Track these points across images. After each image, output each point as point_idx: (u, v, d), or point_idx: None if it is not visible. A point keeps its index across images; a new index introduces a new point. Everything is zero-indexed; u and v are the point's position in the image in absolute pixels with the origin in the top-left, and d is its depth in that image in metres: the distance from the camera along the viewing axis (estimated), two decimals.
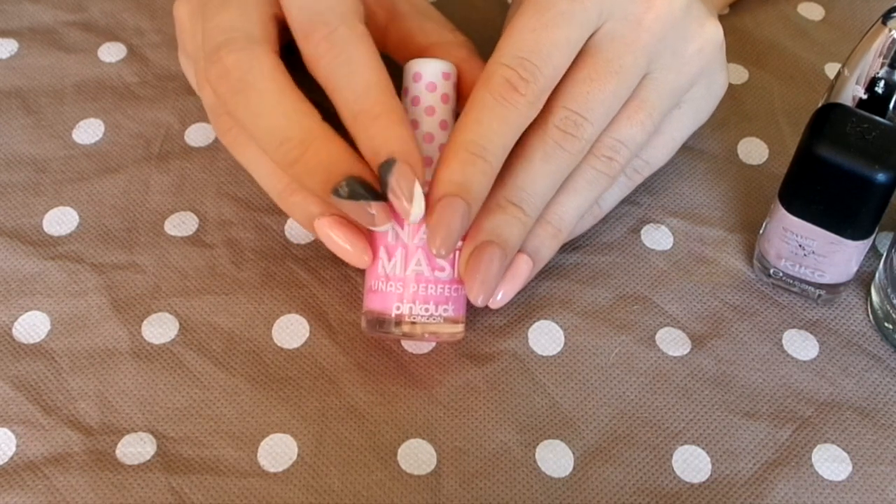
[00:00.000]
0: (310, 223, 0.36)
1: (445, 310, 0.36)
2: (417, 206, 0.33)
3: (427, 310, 0.35)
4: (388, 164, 0.33)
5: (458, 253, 0.36)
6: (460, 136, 0.34)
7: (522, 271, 0.37)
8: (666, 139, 0.40)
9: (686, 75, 0.38)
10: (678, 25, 0.37)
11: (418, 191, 0.33)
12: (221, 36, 0.35)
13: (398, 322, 0.35)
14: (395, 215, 0.35)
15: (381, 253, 0.36)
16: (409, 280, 0.35)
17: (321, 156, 0.34)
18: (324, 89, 0.35)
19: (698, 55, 0.38)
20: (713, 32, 0.38)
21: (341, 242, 0.35)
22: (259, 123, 0.34)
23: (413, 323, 0.35)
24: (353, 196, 0.33)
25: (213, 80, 0.35)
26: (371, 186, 0.34)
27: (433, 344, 0.39)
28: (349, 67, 0.34)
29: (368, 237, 0.36)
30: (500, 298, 0.37)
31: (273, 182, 0.37)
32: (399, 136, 0.33)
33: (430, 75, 0.36)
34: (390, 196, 0.33)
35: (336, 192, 0.33)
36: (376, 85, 0.34)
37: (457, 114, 0.37)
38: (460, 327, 0.36)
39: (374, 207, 0.34)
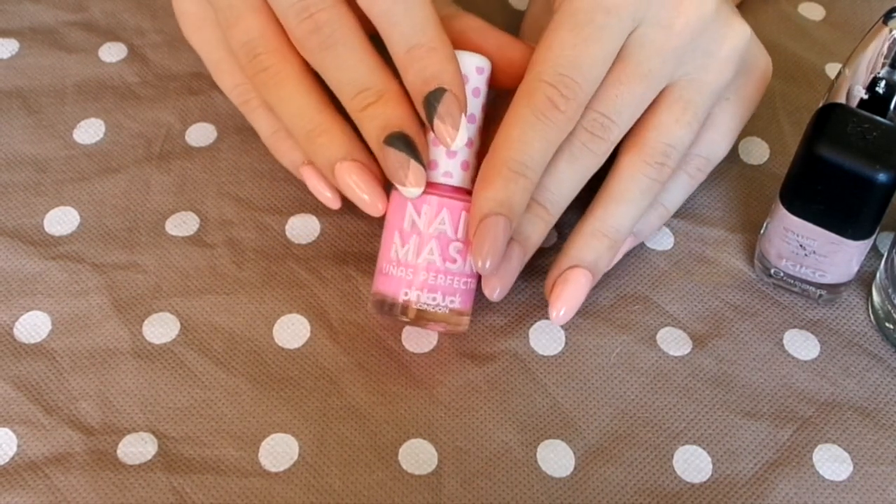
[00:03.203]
0: (331, 166, 0.36)
1: (452, 301, 0.36)
2: (460, 138, 0.35)
3: (434, 299, 0.36)
4: (437, 92, 0.34)
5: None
6: (503, 153, 0.35)
7: (583, 285, 0.37)
8: (723, 132, 0.40)
9: (724, 73, 0.38)
10: (709, 28, 0.37)
11: (463, 122, 0.35)
12: None
13: (404, 307, 0.36)
14: (412, 200, 0.35)
15: (396, 237, 0.36)
16: (420, 268, 0.36)
17: (390, 108, 0.35)
18: (377, 25, 0.36)
19: (733, 53, 0.38)
20: (741, 29, 0.39)
21: (360, 186, 0.36)
22: (344, 75, 0.36)
23: (418, 310, 0.36)
24: (400, 148, 0.35)
25: (303, 34, 0.36)
26: (419, 151, 0.35)
27: (434, 344, 0.39)
28: (409, 4, 0.35)
29: (385, 217, 0.37)
30: (563, 314, 0.37)
31: (303, 121, 0.37)
32: (452, 70, 0.35)
33: (463, 68, 0.36)
34: (436, 121, 0.35)
35: (388, 139, 0.35)
36: (434, 23, 0.35)
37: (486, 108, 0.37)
38: (465, 320, 0.37)
39: (414, 167, 0.35)
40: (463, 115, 0.35)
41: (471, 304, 0.37)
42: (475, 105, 0.36)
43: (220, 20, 0.39)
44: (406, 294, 0.36)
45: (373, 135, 0.35)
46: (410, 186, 0.35)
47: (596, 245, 0.37)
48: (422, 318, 0.36)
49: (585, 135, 0.36)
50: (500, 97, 0.40)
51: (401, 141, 0.35)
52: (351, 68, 0.36)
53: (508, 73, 0.37)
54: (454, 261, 0.36)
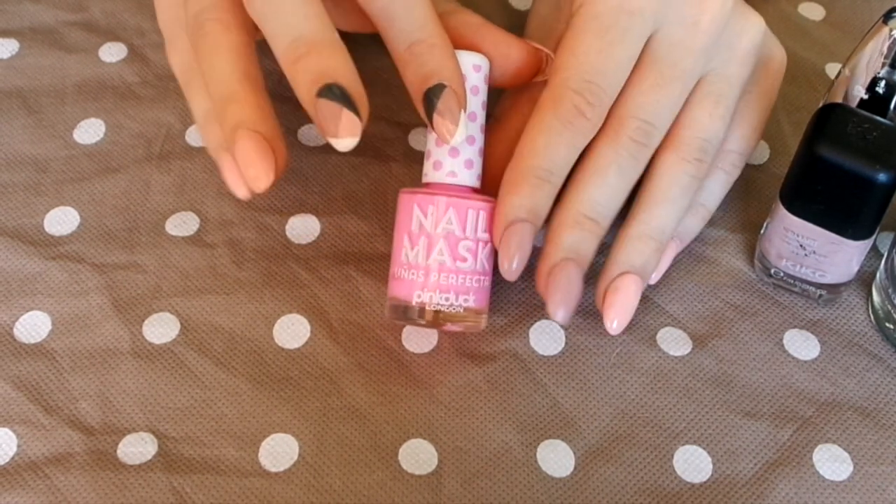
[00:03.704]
0: (234, 132, 0.35)
1: (466, 300, 0.36)
2: (459, 134, 0.35)
3: (447, 299, 0.36)
4: (437, 88, 0.34)
5: (481, 244, 0.36)
6: (529, 160, 0.35)
7: (634, 292, 0.37)
8: (752, 126, 0.40)
9: (746, 66, 0.39)
10: (729, 22, 0.38)
11: (462, 118, 0.34)
12: None
13: (419, 310, 0.36)
14: (418, 202, 0.35)
15: (405, 240, 0.36)
16: (431, 269, 0.36)
17: (324, 59, 0.34)
18: (376, 22, 0.35)
19: (752, 45, 0.39)
20: (757, 21, 0.39)
21: (250, 156, 0.34)
22: (278, 18, 0.34)
23: (433, 311, 0.36)
24: (331, 98, 0.33)
25: None
26: (354, 103, 0.33)
27: (434, 344, 0.39)
28: (406, 2, 0.35)
29: (393, 222, 0.37)
30: (617, 325, 0.37)
31: (221, 87, 0.36)
32: (452, 67, 0.35)
33: (461, 66, 0.36)
34: (435, 117, 0.34)
35: (320, 91, 0.33)
36: (433, 19, 0.35)
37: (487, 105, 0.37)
38: (483, 318, 0.37)
39: (346, 115, 0.33)
40: (462, 112, 0.35)
41: (486, 301, 0.37)
42: (475, 103, 0.36)
43: None
44: (419, 296, 0.36)
45: (304, 89, 0.33)
46: (342, 137, 0.33)
47: (643, 248, 0.37)
48: (438, 320, 0.36)
49: (633, 145, 0.36)
50: (515, 101, 0.40)
51: (332, 91, 0.33)
52: (288, 14, 0.34)
53: (504, 71, 0.37)
54: (464, 259, 0.36)
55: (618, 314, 0.37)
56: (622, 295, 0.36)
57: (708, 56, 0.37)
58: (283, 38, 0.34)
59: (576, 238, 0.36)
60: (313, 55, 0.33)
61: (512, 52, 0.37)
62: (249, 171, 0.34)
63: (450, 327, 0.37)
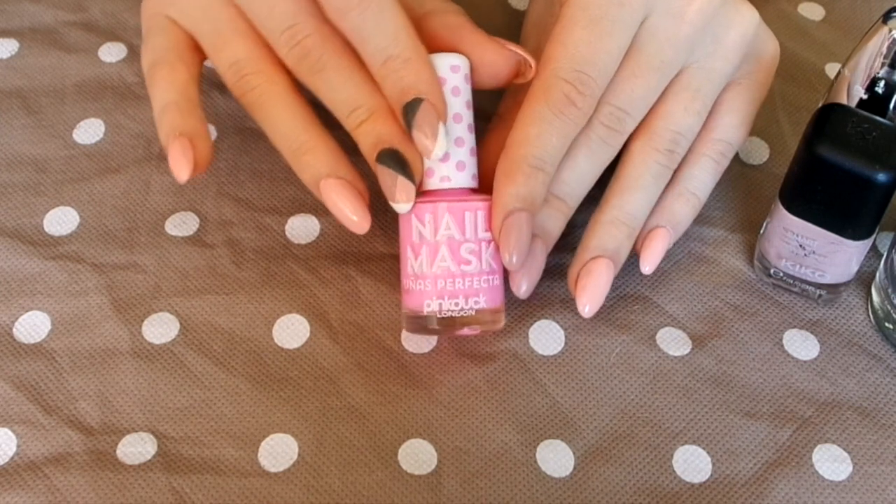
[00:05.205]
0: (316, 183, 0.36)
1: (477, 301, 0.36)
2: (439, 147, 0.35)
3: (457, 304, 0.36)
4: (414, 103, 0.35)
5: (483, 244, 0.36)
6: (522, 149, 0.35)
7: (606, 275, 0.37)
8: (741, 117, 0.40)
9: (731, 61, 0.39)
10: (718, 14, 0.38)
11: (441, 131, 0.35)
12: (290, 20, 0.36)
13: (430, 319, 0.36)
14: (416, 212, 0.36)
15: (409, 252, 0.36)
16: (437, 277, 0.36)
17: (379, 124, 0.36)
18: (350, 40, 0.36)
19: (741, 40, 0.39)
20: (750, 15, 0.39)
21: (343, 204, 0.36)
22: (336, 95, 0.36)
23: (446, 318, 0.36)
24: (390, 165, 0.35)
25: (293, 60, 0.37)
26: (409, 167, 0.35)
27: (433, 344, 0.39)
28: (380, 17, 0.35)
29: (392, 222, 0.37)
30: (589, 309, 0.37)
31: (289, 140, 0.37)
32: (428, 79, 0.35)
33: (439, 70, 0.36)
34: (414, 132, 0.35)
35: (379, 157, 0.35)
36: (406, 31, 0.35)
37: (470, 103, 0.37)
38: (499, 316, 0.37)
39: (401, 183, 0.35)
40: (441, 124, 0.35)
41: (500, 300, 0.37)
42: (458, 104, 0.36)
43: (206, 45, 0.39)
44: (429, 305, 0.36)
45: (367, 152, 0.36)
46: (399, 202, 0.35)
47: (615, 233, 0.38)
48: (451, 326, 0.36)
49: (603, 129, 0.37)
50: (518, 99, 0.40)
51: (389, 157, 0.35)
52: (341, 88, 0.36)
53: (481, 73, 0.37)
54: (468, 262, 0.36)
55: (590, 298, 0.37)
56: (594, 278, 0.37)
57: (691, 47, 0.38)
58: (344, 107, 0.36)
59: (542, 216, 0.37)
60: (370, 121, 0.36)
61: (487, 55, 0.37)
62: (348, 222, 0.36)
63: (467, 332, 0.37)
